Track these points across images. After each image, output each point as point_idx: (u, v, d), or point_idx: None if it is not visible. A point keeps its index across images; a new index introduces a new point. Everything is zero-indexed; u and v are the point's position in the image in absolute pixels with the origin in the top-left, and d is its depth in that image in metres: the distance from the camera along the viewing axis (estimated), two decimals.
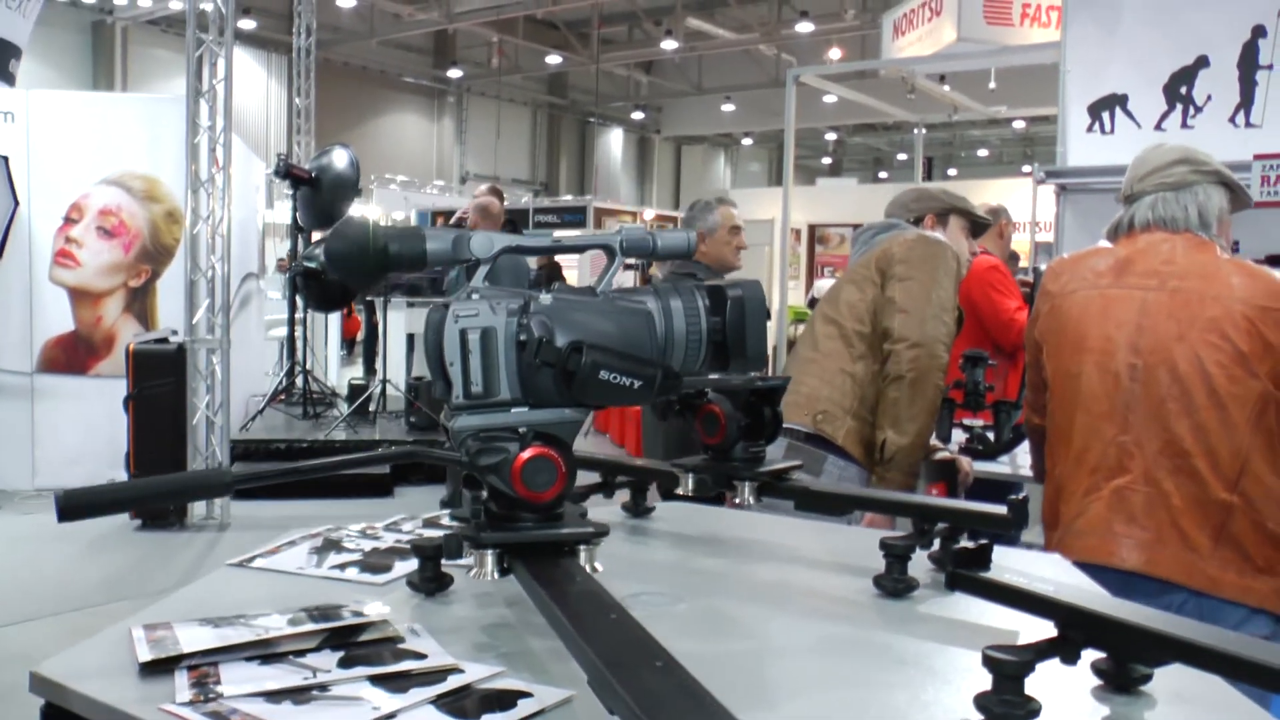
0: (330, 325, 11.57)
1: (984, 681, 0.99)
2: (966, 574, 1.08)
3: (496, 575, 1.15)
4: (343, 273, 1.16)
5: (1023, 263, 8.83)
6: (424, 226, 1.18)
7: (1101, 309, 2.38)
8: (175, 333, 6.58)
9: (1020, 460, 3.37)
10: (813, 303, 16.46)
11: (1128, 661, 1.03)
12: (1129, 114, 5.57)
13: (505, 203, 8.31)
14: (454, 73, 25.22)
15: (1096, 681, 1.08)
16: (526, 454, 1.12)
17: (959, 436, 3.59)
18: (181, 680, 1.02)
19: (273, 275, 10.89)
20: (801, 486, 1.55)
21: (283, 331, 9.32)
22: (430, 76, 25.90)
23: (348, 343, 13.13)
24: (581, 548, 1.16)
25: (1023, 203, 7.08)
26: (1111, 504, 2.31)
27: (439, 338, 1.15)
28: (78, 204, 7.18)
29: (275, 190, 12.49)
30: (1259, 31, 5.32)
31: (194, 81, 6.56)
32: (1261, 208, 4.76)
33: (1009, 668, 0.97)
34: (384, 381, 8.86)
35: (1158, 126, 5.50)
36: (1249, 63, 5.31)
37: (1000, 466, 3.41)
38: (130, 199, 7.28)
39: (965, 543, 1.44)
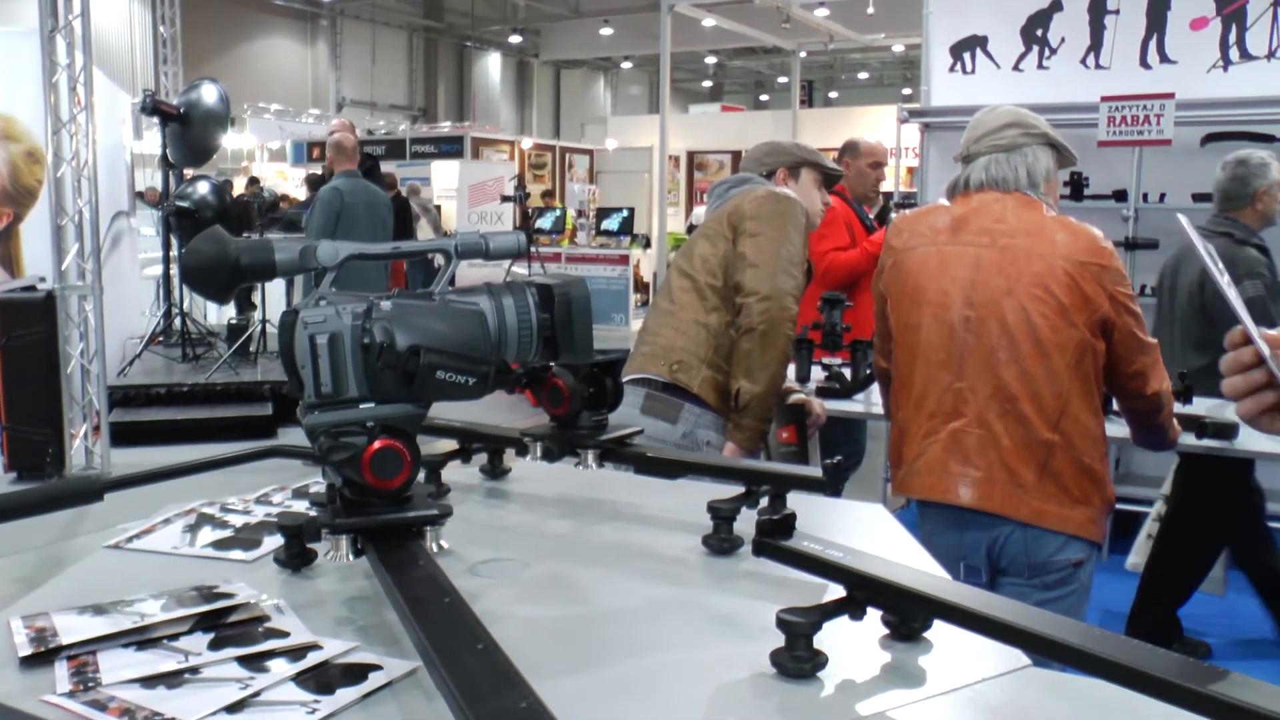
0: None
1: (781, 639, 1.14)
2: (769, 542, 1.23)
3: (351, 557, 1.26)
4: (198, 287, 1.24)
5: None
6: (273, 239, 1.25)
7: (939, 264, 2.56)
8: (44, 279, 6.44)
9: (874, 399, 3.58)
10: (691, 229, 16.63)
11: (905, 619, 1.19)
12: (989, 55, 5.80)
13: (384, 129, 8.22)
14: None
15: (885, 631, 1.24)
16: (375, 446, 1.23)
17: (818, 374, 3.79)
18: (61, 671, 1.11)
19: (144, 211, 10.59)
20: (639, 453, 1.69)
21: (158, 270, 9.15)
22: None
23: None
24: (428, 529, 1.28)
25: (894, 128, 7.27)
26: (948, 445, 2.51)
27: (290, 340, 1.25)
28: None
29: (143, 120, 12.10)
30: None
31: (48, 18, 6.33)
32: (1106, 146, 5.04)
33: (799, 627, 1.12)
34: (264, 321, 8.77)
35: (1015, 67, 5.74)
36: (1098, 7, 5.56)
37: (855, 405, 3.62)
38: None
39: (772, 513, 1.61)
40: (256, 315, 8.99)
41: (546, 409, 1.67)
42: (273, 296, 10.58)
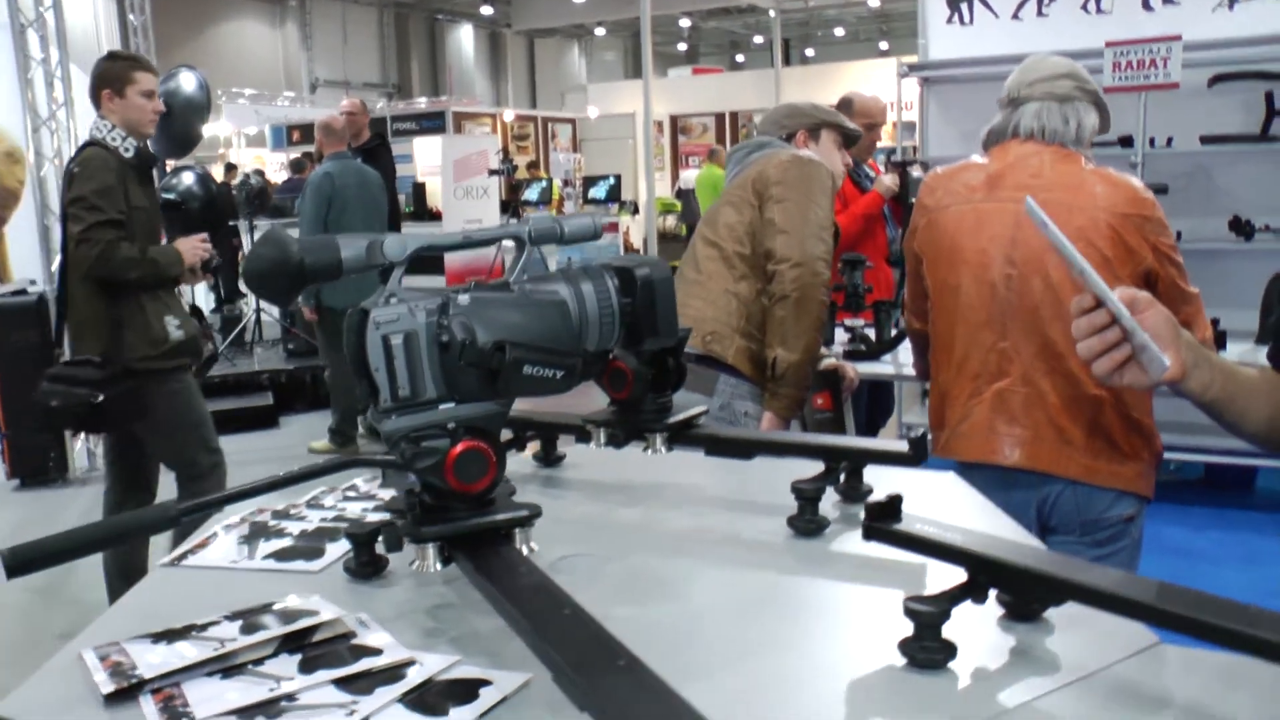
0: None
1: (902, 626, 1.09)
2: (882, 526, 1.16)
3: (439, 566, 1.20)
4: (262, 291, 1.17)
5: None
6: (338, 236, 1.18)
7: (976, 223, 2.49)
8: (34, 282, 6.32)
9: (903, 359, 3.53)
10: (679, 194, 16.57)
11: (1031, 600, 1.14)
12: (986, 4, 5.69)
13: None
14: None
15: (1000, 611, 1.19)
16: (458, 449, 1.16)
17: (842, 337, 3.73)
18: (149, 706, 1.05)
19: None
20: (709, 434, 1.63)
21: None
22: None
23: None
24: (517, 530, 1.22)
25: (880, 86, 7.19)
26: (993, 406, 2.46)
27: (361, 341, 1.18)
28: None
29: None
30: None
31: (15, 12, 6.16)
32: (1113, 93, 4.96)
33: (928, 617, 1.06)
34: (258, 310, 8.68)
35: (1015, 16, 5.64)
36: None
37: (884, 366, 3.56)
38: None
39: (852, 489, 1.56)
40: (249, 304, 8.89)
41: (609, 393, 1.60)
42: None
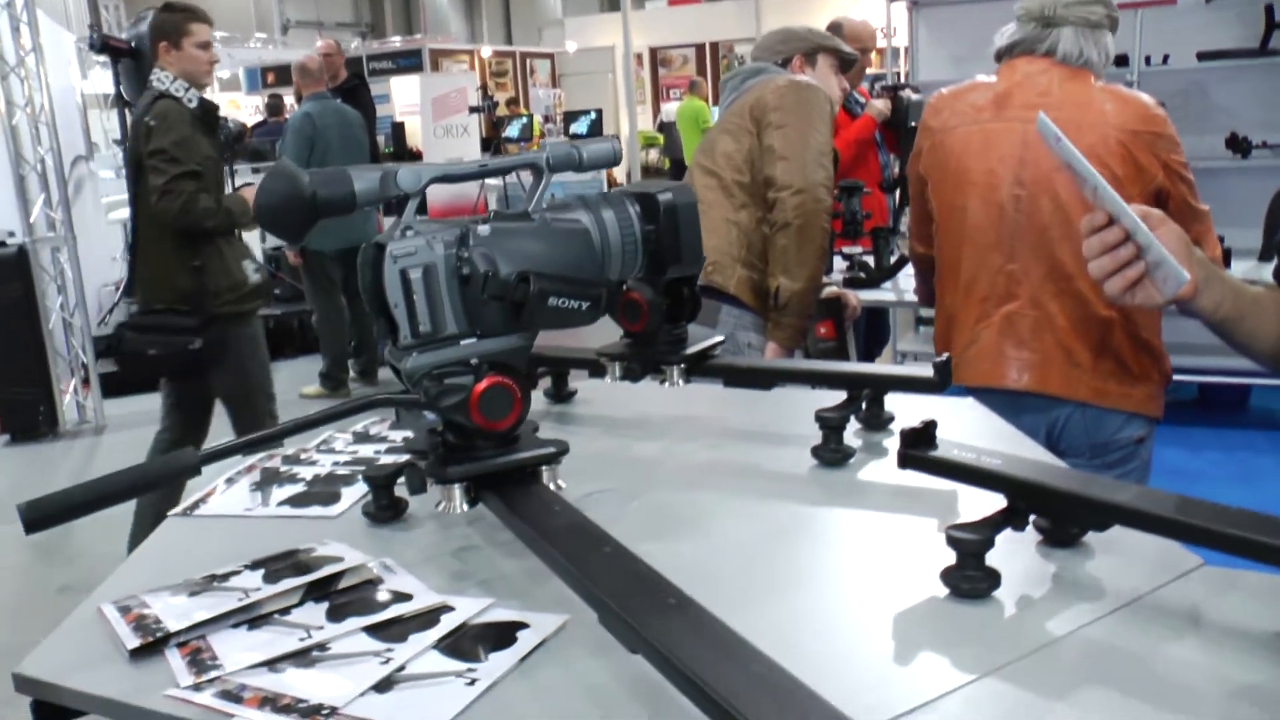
0: None
1: (941, 555, 1.06)
2: (918, 454, 1.13)
3: (466, 507, 1.17)
4: (275, 227, 1.12)
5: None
6: (350, 168, 1.13)
7: (983, 143, 2.44)
8: (12, 234, 6.21)
9: (903, 285, 3.49)
10: (661, 126, 16.38)
11: (1073, 525, 1.11)
12: None
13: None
14: None
15: (1037, 537, 1.16)
16: (482, 385, 1.13)
17: (840, 265, 3.69)
18: (176, 661, 1.02)
19: (102, 154, 10.25)
20: (727, 364, 1.59)
21: (124, 213, 8.87)
22: None
23: None
24: (544, 468, 1.19)
25: (867, 12, 7.06)
26: (1002, 329, 2.43)
27: (377, 277, 1.13)
28: None
29: (86, 59, 11.66)
30: None
31: None
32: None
33: (970, 545, 1.04)
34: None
35: None
36: None
37: (884, 294, 3.53)
38: None
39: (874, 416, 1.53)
40: None
41: (623, 325, 1.56)
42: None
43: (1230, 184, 4.53)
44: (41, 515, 0.97)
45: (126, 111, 8.26)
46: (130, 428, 6.19)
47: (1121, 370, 2.40)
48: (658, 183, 1.30)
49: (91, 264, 7.46)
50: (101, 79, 9.52)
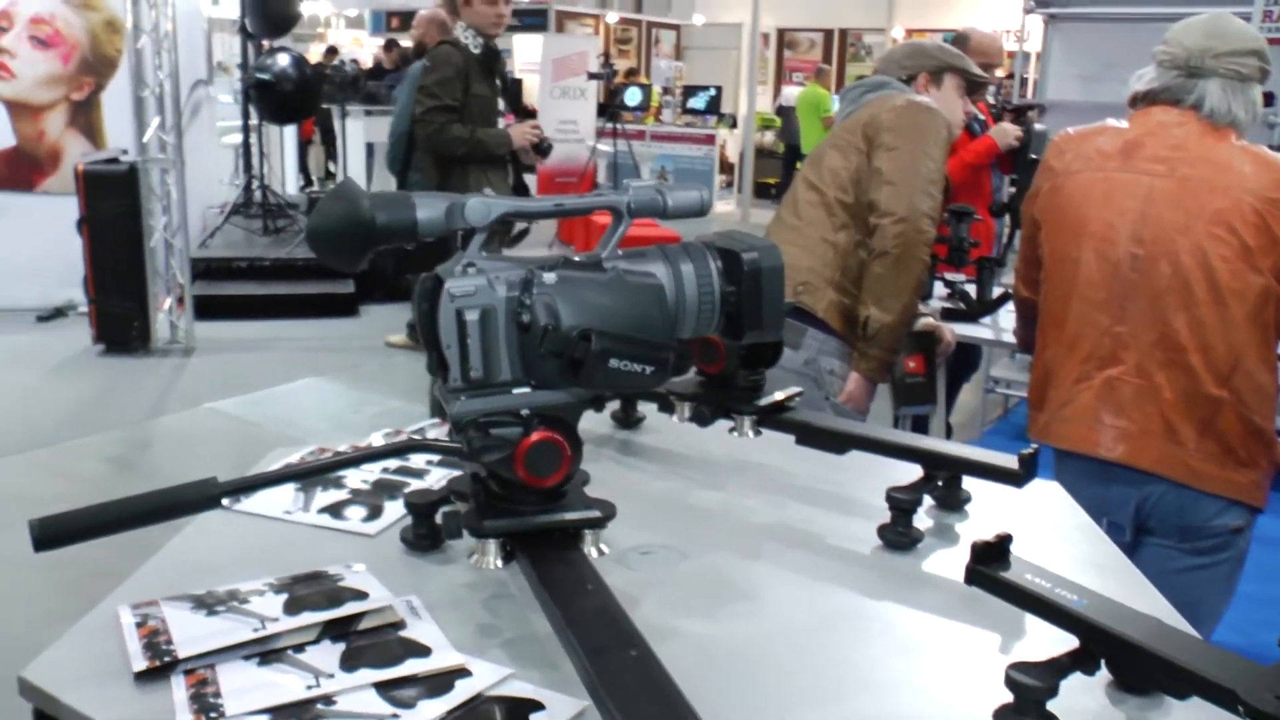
0: (286, 132, 11.19)
1: (998, 682, 0.97)
2: (987, 573, 1.04)
3: (499, 564, 1.11)
4: (328, 252, 1.06)
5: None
6: (413, 194, 1.06)
7: (1105, 193, 2.30)
8: (125, 152, 6.32)
9: (1003, 323, 3.35)
10: (780, 110, 16.13)
11: (1151, 687, 1.01)
12: None
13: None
14: None
15: (1108, 676, 1.06)
16: (530, 439, 1.06)
17: (940, 290, 3.55)
18: (179, 692, 0.98)
19: (222, 79, 10.42)
20: (802, 421, 1.50)
21: (237, 138, 9.01)
22: None
23: (303, 144, 12.71)
24: (586, 532, 1.12)
25: (1003, 16, 6.82)
26: (1101, 394, 2.29)
27: (433, 311, 1.07)
28: (5, 10, 6.74)
29: None
30: None
31: None
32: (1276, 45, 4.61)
33: (1033, 692, 0.95)
34: None
35: None
36: None
37: (982, 330, 3.38)
38: (65, 6, 6.85)
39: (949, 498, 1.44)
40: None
41: (698, 366, 1.48)
42: (354, 169, 10.44)
43: None
44: (52, 534, 0.93)
45: (248, 43, 8.41)
46: (217, 351, 6.31)
47: (1225, 453, 2.25)
48: (745, 237, 1.21)
49: (199, 185, 7.59)
50: (230, 4, 9.63)
